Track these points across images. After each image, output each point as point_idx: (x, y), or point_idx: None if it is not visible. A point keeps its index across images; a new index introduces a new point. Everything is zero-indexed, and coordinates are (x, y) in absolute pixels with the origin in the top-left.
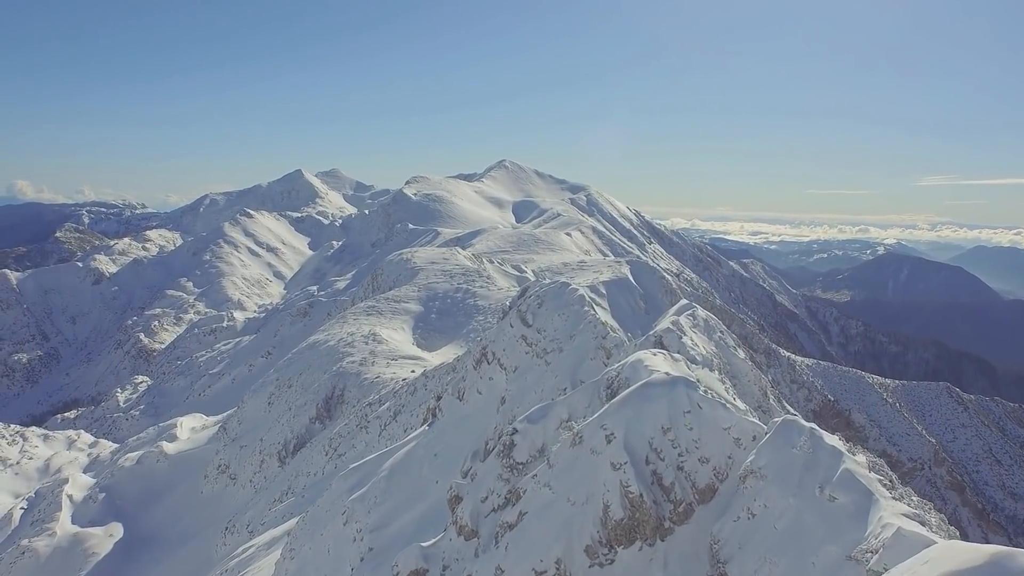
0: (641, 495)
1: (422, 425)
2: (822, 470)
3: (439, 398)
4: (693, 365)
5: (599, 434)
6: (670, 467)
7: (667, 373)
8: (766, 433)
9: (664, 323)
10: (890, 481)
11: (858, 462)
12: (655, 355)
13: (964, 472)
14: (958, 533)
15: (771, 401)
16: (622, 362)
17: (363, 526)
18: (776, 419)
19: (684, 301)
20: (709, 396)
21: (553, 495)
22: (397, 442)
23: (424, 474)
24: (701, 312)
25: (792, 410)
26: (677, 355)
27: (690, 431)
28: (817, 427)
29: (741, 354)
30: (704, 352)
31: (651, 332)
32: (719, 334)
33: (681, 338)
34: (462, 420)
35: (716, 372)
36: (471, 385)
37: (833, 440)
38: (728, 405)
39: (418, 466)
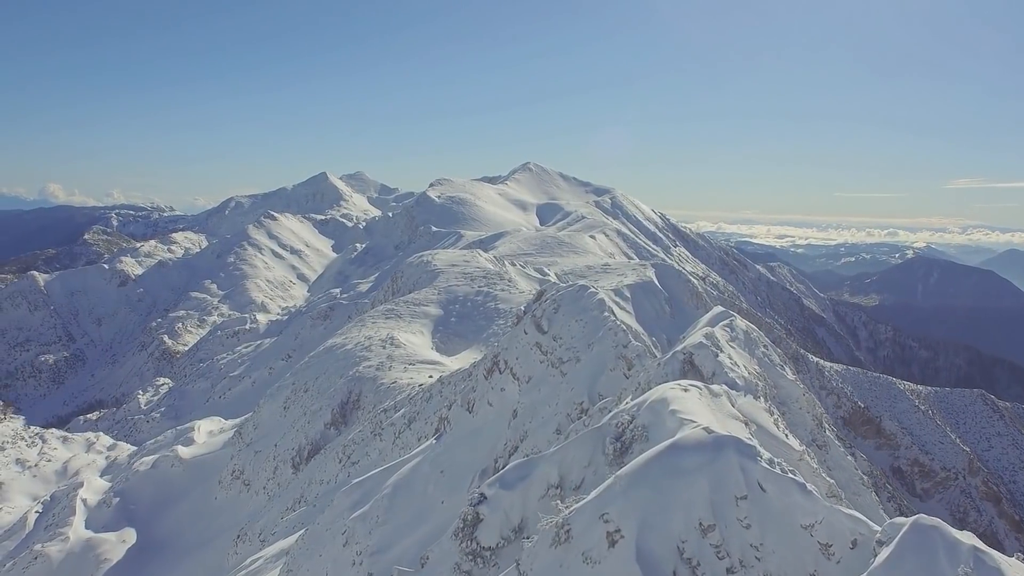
0: None
1: (432, 436)
2: None
3: (450, 407)
4: (734, 392)
5: (597, 529)
6: None
7: (707, 429)
8: (880, 539)
9: (696, 336)
10: None
11: None
12: (686, 390)
13: (1000, 482)
14: None
15: (827, 433)
16: (639, 399)
17: (363, 548)
18: (900, 520)
19: (719, 308)
20: (777, 470)
21: None
22: (411, 451)
23: (429, 493)
24: (740, 322)
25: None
26: (717, 387)
27: (747, 530)
28: (980, 542)
29: (790, 374)
30: (746, 373)
31: (679, 348)
32: (762, 349)
33: (717, 356)
34: (472, 434)
35: (762, 399)
36: (481, 396)
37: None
38: (809, 486)
39: (423, 484)
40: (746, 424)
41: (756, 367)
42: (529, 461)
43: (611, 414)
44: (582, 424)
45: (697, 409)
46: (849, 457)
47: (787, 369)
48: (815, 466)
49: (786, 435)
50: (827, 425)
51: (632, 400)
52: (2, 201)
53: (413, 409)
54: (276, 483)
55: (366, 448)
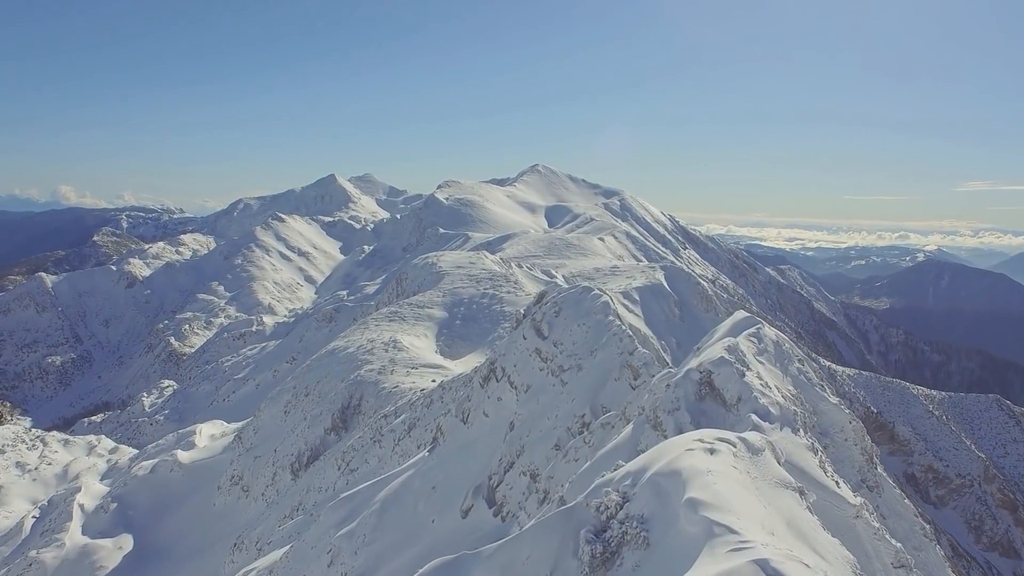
0: None
1: (426, 448)
2: None
3: (445, 416)
4: (768, 425)
5: None
6: None
7: (762, 564)
8: None
9: (715, 349)
10: None
11: None
12: (713, 451)
13: (1017, 490)
14: None
15: (879, 470)
16: (636, 466)
17: (348, 569)
18: None
19: (742, 313)
20: None
21: None
22: (410, 459)
23: (419, 511)
24: (769, 331)
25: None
26: (757, 436)
27: None
28: None
29: (832, 396)
30: (780, 398)
31: (694, 364)
32: (797, 364)
33: (743, 375)
34: (466, 447)
35: (801, 431)
36: (477, 406)
37: None
38: None
39: (413, 500)
40: (802, 495)
41: (791, 388)
42: (459, 560)
43: (590, 487)
44: (582, 440)
45: (734, 495)
46: (907, 501)
47: (827, 390)
48: (877, 525)
49: (837, 483)
50: (878, 460)
51: (626, 463)
52: (14, 203)
53: (413, 415)
54: (275, 490)
55: (365, 455)
